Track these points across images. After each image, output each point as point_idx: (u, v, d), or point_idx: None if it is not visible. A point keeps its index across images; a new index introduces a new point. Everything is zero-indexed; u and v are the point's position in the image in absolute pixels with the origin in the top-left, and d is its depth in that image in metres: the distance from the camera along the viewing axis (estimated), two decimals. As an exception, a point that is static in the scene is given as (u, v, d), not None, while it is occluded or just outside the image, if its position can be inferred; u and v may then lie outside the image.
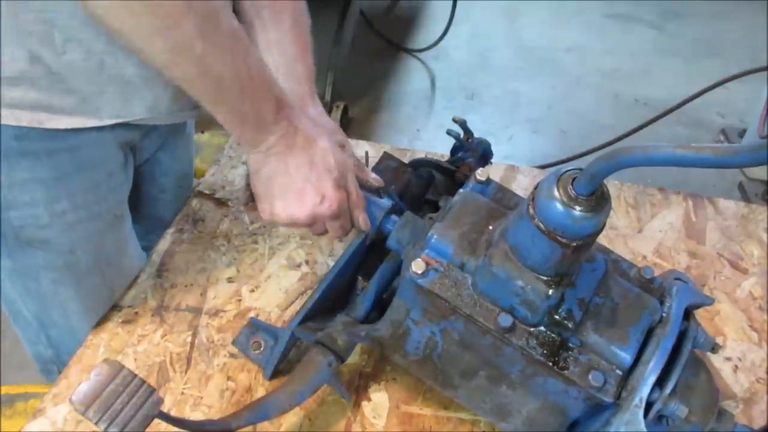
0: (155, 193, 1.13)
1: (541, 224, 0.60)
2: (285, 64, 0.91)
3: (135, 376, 0.60)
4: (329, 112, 2.78)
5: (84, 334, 0.93)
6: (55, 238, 0.89)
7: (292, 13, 0.92)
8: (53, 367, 1.07)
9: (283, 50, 0.91)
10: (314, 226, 0.83)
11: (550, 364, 0.66)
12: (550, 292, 0.64)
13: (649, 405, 0.65)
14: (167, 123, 0.93)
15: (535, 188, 0.61)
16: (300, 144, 0.78)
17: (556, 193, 0.58)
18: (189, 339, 0.91)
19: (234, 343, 0.86)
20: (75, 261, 0.93)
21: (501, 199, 0.77)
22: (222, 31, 0.70)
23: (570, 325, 0.66)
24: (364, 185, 0.84)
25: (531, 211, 0.60)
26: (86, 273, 0.94)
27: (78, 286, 0.95)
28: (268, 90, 0.76)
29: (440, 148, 1.20)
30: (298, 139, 0.78)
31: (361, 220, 0.82)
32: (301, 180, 0.78)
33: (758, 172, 2.63)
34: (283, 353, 0.83)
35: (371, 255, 0.86)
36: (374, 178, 0.87)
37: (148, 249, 1.08)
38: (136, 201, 1.07)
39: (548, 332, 0.67)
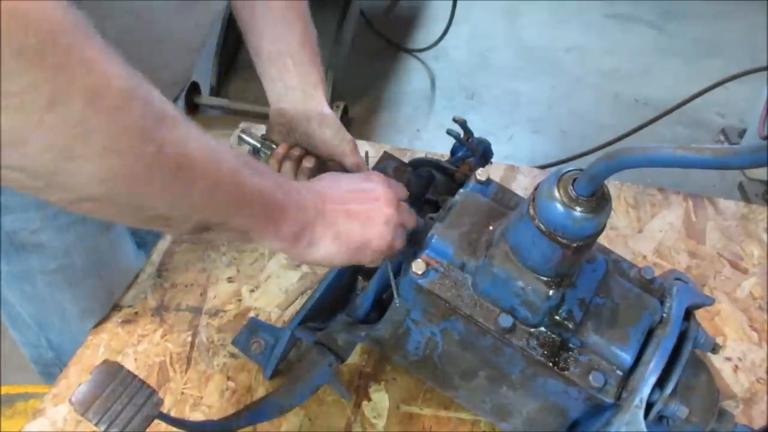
0: None
1: (541, 225, 0.60)
2: (291, 52, 0.88)
3: (135, 376, 0.60)
4: (329, 111, 2.77)
5: (84, 336, 0.93)
6: (49, 241, 0.88)
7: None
8: (55, 369, 1.07)
9: (287, 36, 0.89)
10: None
11: (551, 364, 0.66)
12: (551, 292, 0.64)
13: (649, 405, 0.65)
14: None
15: (536, 189, 0.61)
16: (324, 185, 0.67)
17: (557, 194, 0.58)
18: (189, 339, 0.91)
19: (234, 343, 0.86)
20: (70, 264, 0.92)
21: (501, 199, 0.77)
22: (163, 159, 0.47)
23: (570, 326, 0.66)
24: None
25: (531, 211, 0.60)
26: (82, 275, 0.94)
27: (74, 288, 0.94)
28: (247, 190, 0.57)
29: (440, 148, 1.20)
30: (317, 185, 0.67)
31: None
32: (361, 209, 0.66)
33: (758, 173, 2.63)
34: (283, 353, 0.83)
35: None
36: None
37: (141, 245, 1.07)
38: None
39: (549, 333, 0.67)
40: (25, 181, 0.43)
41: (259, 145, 0.87)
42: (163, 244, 1.04)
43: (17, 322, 1.02)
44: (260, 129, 0.92)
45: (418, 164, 0.94)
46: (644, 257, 1.09)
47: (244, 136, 0.88)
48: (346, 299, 0.86)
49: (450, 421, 0.84)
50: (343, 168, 0.85)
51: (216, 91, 2.94)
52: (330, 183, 0.68)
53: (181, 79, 0.96)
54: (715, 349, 0.72)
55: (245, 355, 0.85)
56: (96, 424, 0.57)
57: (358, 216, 0.65)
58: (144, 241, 1.14)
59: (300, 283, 1.00)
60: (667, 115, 2.61)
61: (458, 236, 0.70)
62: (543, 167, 2.16)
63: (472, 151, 0.93)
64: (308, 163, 0.84)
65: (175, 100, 1.01)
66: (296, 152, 0.83)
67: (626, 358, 0.67)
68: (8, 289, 0.95)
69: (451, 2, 3.22)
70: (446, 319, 0.70)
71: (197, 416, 0.82)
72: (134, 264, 1.02)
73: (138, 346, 0.90)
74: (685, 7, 3.77)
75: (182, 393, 0.85)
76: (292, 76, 0.88)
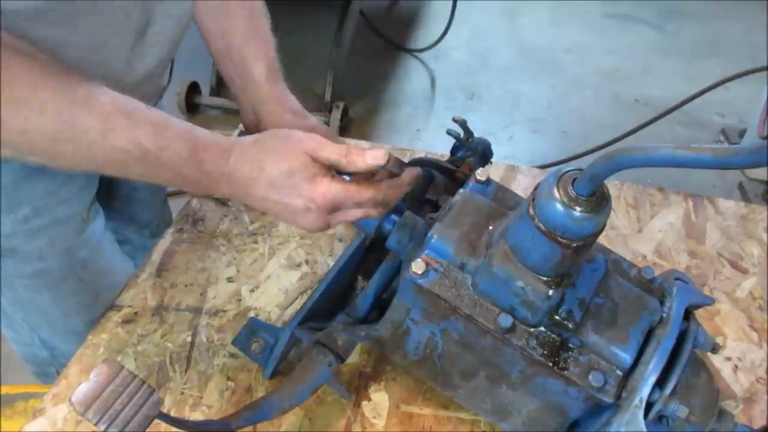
0: (127, 191, 1.13)
1: (541, 225, 0.60)
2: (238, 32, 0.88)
3: (135, 376, 0.60)
4: (329, 111, 2.78)
5: (71, 338, 0.93)
6: (20, 245, 0.88)
7: None
8: (50, 369, 1.07)
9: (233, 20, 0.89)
10: (349, 213, 0.72)
11: (551, 364, 0.66)
12: (551, 292, 0.64)
13: (649, 405, 0.65)
14: None
15: (536, 189, 0.61)
16: (245, 176, 0.70)
17: (557, 194, 0.58)
18: (189, 339, 0.91)
19: (234, 342, 0.86)
20: (46, 268, 0.92)
21: (501, 199, 0.77)
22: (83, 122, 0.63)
23: (570, 326, 0.66)
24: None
25: (531, 211, 0.60)
26: (60, 279, 0.93)
27: (54, 292, 0.94)
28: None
29: (440, 148, 1.20)
30: (239, 174, 0.70)
31: (369, 159, 0.69)
32: (281, 208, 0.71)
33: (758, 173, 2.63)
34: (283, 353, 0.83)
35: (371, 255, 0.86)
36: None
37: (123, 242, 1.07)
38: (109, 198, 1.06)
39: (548, 332, 0.67)
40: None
41: None
42: (163, 244, 1.04)
43: (10, 322, 1.02)
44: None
45: (418, 164, 0.94)
46: (644, 257, 1.09)
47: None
48: (346, 299, 0.86)
49: (450, 421, 0.84)
50: None
51: (216, 91, 2.94)
52: (251, 172, 0.70)
53: (148, 95, 0.95)
54: (715, 349, 0.72)
55: (245, 355, 0.85)
56: (96, 424, 0.57)
57: (279, 212, 0.71)
58: (126, 239, 1.13)
59: (300, 283, 1.00)
60: (667, 115, 2.61)
61: (458, 236, 0.70)
62: (543, 167, 2.17)
63: (472, 151, 0.93)
64: None
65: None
66: None
67: (626, 358, 0.67)
68: None
69: (451, 2, 3.22)
70: (446, 319, 0.70)
71: (197, 416, 0.82)
72: (119, 264, 1.01)
73: (138, 346, 0.90)
74: (685, 7, 3.78)
75: (182, 393, 0.85)
76: (239, 77, 0.88)
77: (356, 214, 0.72)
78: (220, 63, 0.92)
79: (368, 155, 0.69)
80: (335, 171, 0.71)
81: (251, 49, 0.89)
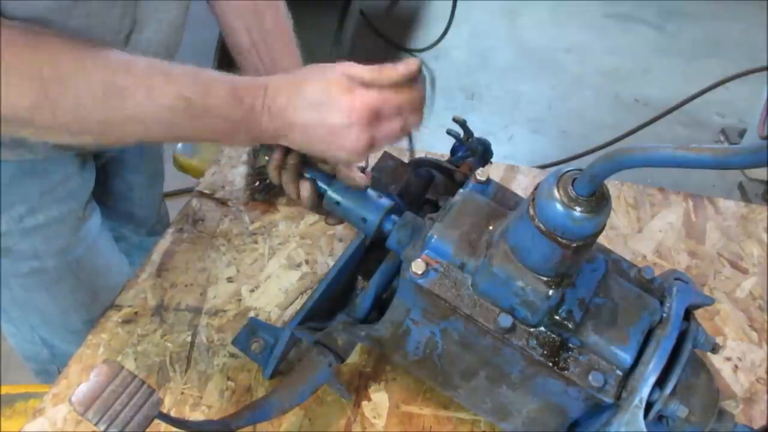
0: (124, 190, 1.13)
1: (541, 225, 0.60)
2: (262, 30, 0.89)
3: (135, 376, 0.60)
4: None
5: (69, 336, 0.93)
6: (16, 244, 0.88)
7: None
8: (51, 367, 1.07)
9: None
10: (391, 124, 0.71)
11: (551, 364, 0.66)
12: (551, 292, 0.64)
13: (649, 405, 0.65)
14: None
15: (536, 189, 0.61)
16: (284, 104, 0.69)
17: (557, 194, 0.58)
18: (189, 339, 0.91)
19: (234, 342, 0.86)
20: (42, 267, 0.92)
21: (501, 199, 0.77)
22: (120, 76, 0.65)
23: (570, 326, 0.66)
24: (352, 184, 0.81)
25: (531, 211, 0.60)
26: (57, 278, 0.93)
27: (51, 291, 0.94)
28: (209, 93, 0.68)
29: (440, 148, 1.20)
30: (278, 103, 0.69)
31: (402, 69, 0.71)
32: (322, 131, 0.69)
33: (758, 173, 2.63)
34: (283, 353, 0.83)
35: (371, 255, 0.86)
36: (360, 177, 0.80)
37: (118, 240, 1.07)
38: (105, 196, 1.06)
39: (548, 333, 0.67)
40: None
41: (258, 146, 0.87)
42: (163, 244, 1.04)
43: (11, 320, 1.02)
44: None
45: (418, 164, 0.94)
46: (644, 257, 1.09)
47: None
48: (346, 299, 0.86)
49: (450, 421, 0.84)
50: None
51: (216, 91, 2.94)
52: (289, 97, 0.69)
53: None
54: (715, 349, 0.72)
55: (245, 355, 0.85)
56: (96, 424, 0.57)
57: (322, 138, 0.70)
58: (122, 236, 1.13)
59: (300, 283, 1.00)
60: (667, 115, 2.61)
61: (458, 236, 0.70)
62: (543, 167, 2.17)
63: (472, 151, 0.93)
64: (306, 173, 0.83)
65: None
66: (292, 160, 0.82)
67: (626, 358, 0.66)
68: None
69: (451, 2, 3.22)
70: (446, 319, 0.70)
71: (197, 416, 0.82)
72: (116, 263, 1.01)
73: (138, 346, 0.90)
74: (685, 7, 3.77)
75: (182, 393, 0.85)
76: (266, 70, 0.88)
77: (396, 125, 0.71)
78: (243, 56, 0.92)
79: (401, 65, 0.71)
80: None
81: (279, 45, 0.91)
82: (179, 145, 2.45)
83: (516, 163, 1.27)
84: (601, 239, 0.69)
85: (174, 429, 0.68)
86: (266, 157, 0.86)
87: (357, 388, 0.86)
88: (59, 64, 0.62)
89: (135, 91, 0.64)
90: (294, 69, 0.87)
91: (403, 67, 0.71)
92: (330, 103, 0.68)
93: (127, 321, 0.93)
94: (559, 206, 0.58)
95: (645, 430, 0.64)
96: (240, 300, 0.97)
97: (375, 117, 0.69)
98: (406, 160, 0.94)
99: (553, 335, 0.67)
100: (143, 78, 0.65)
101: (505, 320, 0.66)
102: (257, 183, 1.11)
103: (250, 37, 0.90)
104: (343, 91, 0.68)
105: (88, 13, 0.72)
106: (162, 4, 0.83)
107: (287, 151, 0.80)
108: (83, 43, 0.65)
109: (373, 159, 0.99)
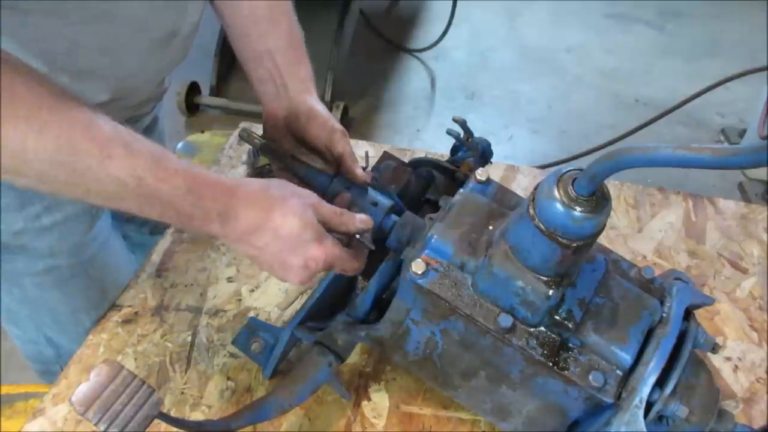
0: None
1: (541, 225, 0.60)
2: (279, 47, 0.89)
3: (135, 376, 0.60)
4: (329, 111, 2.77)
5: (78, 336, 0.93)
6: (32, 242, 0.88)
7: None
8: (55, 367, 1.07)
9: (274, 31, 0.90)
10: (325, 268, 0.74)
11: (551, 364, 0.66)
12: (551, 292, 0.64)
13: (649, 405, 0.65)
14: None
15: (536, 189, 0.61)
16: (249, 222, 0.68)
17: (557, 194, 0.58)
18: (189, 339, 0.91)
19: (234, 342, 0.86)
20: (56, 264, 0.92)
21: (501, 199, 0.77)
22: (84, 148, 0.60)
23: (570, 326, 0.66)
24: (353, 180, 0.81)
25: (531, 211, 0.60)
26: (69, 275, 0.94)
27: (63, 288, 0.94)
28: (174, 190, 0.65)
29: (440, 148, 1.20)
30: (242, 218, 0.68)
31: (358, 223, 0.74)
32: (276, 260, 0.70)
33: (758, 173, 2.63)
34: (283, 353, 0.83)
35: (371, 255, 0.85)
36: (361, 174, 0.80)
37: (126, 238, 1.07)
38: None
39: (548, 332, 0.67)
40: None
41: (258, 146, 0.87)
42: (163, 244, 1.04)
43: (15, 320, 1.02)
44: (260, 129, 0.91)
45: (418, 164, 0.94)
46: (644, 257, 1.09)
47: (244, 136, 0.88)
48: (346, 299, 0.86)
49: (450, 421, 0.84)
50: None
51: (216, 91, 2.95)
52: (256, 219, 0.68)
53: (153, 97, 0.99)
54: (715, 348, 0.72)
55: (245, 355, 0.85)
56: (96, 424, 0.57)
57: (270, 264, 0.71)
58: (125, 235, 1.13)
59: (300, 283, 1.00)
60: (667, 115, 2.61)
61: (458, 236, 0.70)
62: (543, 167, 2.16)
63: (472, 151, 0.93)
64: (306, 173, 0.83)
65: (151, 110, 1.04)
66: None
67: (626, 357, 0.67)
68: (2, 290, 0.95)
69: (451, 2, 3.22)
70: (446, 319, 0.70)
71: (197, 416, 0.82)
72: (125, 262, 1.02)
73: (138, 346, 0.90)
74: (685, 7, 3.77)
75: (182, 393, 0.85)
76: (280, 76, 0.88)
77: (337, 268, 0.75)
78: (255, 62, 0.91)
79: (358, 219, 0.74)
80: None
81: (293, 53, 0.90)
82: (179, 145, 2.46)
83: (516, 163, 1.27)
84: (601, 239, 0.69)
85: (174, 429, 0.68)
86: (266, 158, 0.86)
87: (357, 388, 0.86)
88: (16, 106, 0.57)
89: (88, 156, 0.60)
90: (306, 77, 0.89)
91: (360, 221, 0.74)
92: (298, 245, 0.69)
93: (127, 321, 0.93)
94: (559, 206, 0.58)
95: (645, 430, 0.64)
96: (240, 300, 0.97)
97: (329, 268, 0.73)
98: (406, 160, 0.94)
99: (553, 335, 0.67)
100: (103, 145, 0.61)
101: (505, 320, 0.66)
102: None
103: (265, 44, 0.89)
104: (315, 237, 0.69)
105: (118, 17, 0.74)
106: (191, 5, 0.85)
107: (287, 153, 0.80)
108: (52, 91, 0.60)
109: (373, 159, 0.99)
